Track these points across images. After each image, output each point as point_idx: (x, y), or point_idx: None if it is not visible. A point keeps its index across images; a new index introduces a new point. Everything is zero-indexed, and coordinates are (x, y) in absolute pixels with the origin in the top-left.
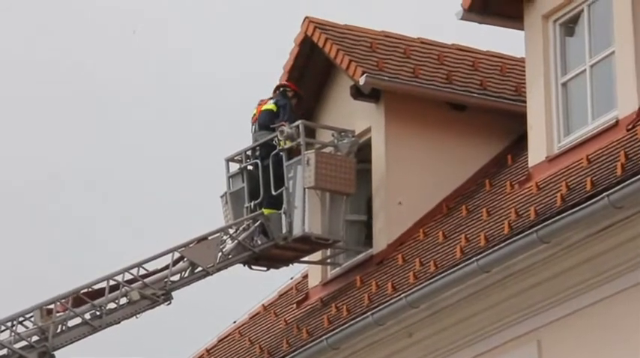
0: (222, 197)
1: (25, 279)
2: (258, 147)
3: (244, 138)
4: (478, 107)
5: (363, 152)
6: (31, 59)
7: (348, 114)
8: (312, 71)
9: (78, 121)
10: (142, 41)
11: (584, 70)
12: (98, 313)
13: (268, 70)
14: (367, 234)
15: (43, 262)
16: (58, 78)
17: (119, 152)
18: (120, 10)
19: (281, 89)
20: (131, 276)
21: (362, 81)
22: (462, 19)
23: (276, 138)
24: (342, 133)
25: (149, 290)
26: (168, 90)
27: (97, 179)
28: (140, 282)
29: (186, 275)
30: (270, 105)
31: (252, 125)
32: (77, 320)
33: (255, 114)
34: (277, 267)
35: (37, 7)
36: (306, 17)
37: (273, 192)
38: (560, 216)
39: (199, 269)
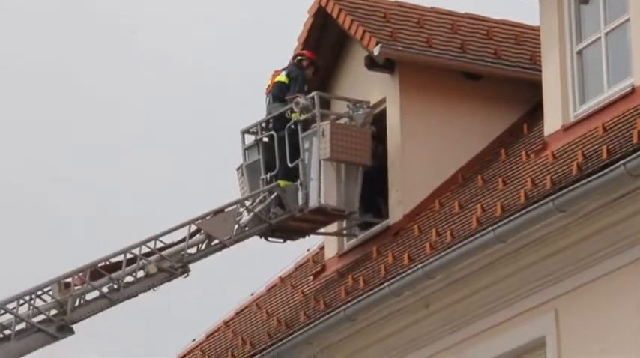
0: (238, 169)
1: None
2: (271, 120)
3: (260, 109)
4: (493, 76)
5: (377, 122)
6: (33, 60)
7: (363, 84)
8: (326, 42)
9: (85, 119)
10: (146, 34)
11: (599, 37)
12: (116, 286)
13: (283, 41)
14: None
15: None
16: (59, 78)
17: (130, 137)
18: (121, 10)
19: (297, 59)
20: (148, 249)
21: (376, 51)
22: None
23: (289, 110)
24: (357, 104)
25: (166, 263)
26: (183, 59)
27: (109, 158)
28: (157, 255)
29: (203, 247)
30: (282, 77)
31: (267, 97)
32: (95, 294)
33: (269, 86)
34: (294, 239)
35: (42, 10)
36: None
37: (289, 164)
38: (576, 185)
39: (216, 241)
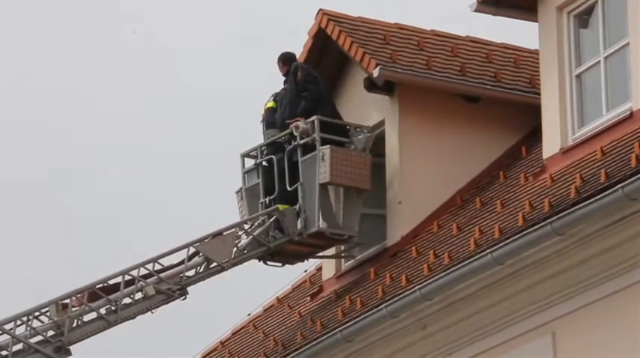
0: (237, 192)
1: (38, 280)
2: (265, 148)
3: (260, 133)
4: (492, 99)
5: (376, 145)
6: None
7: (362, 106)
8: (325, 63)
9: (89, 126)
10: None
11: (599, 61)
12: (113, 308)
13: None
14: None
15: (57, 263)
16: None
17: (132, 149)
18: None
19: (292, 67)
20: (146, 271)
21: (376, 73)
22: (475, 10)
23: (283, 137)
24: (358, 129)
25: (164, 285)
26: (182, 85)
27: (110, 176)
28: (155, 277)
29: (201, 270)
30: (270, 103)
31: (262, 123)
32: (93, 315)
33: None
34: (292, 263)
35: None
36: (320, 9)
37: (288, 188)
38: (574, 208)
39: (214, 264)
